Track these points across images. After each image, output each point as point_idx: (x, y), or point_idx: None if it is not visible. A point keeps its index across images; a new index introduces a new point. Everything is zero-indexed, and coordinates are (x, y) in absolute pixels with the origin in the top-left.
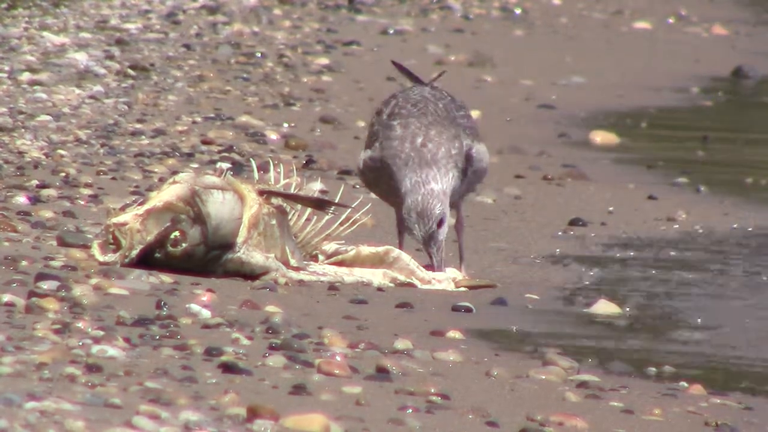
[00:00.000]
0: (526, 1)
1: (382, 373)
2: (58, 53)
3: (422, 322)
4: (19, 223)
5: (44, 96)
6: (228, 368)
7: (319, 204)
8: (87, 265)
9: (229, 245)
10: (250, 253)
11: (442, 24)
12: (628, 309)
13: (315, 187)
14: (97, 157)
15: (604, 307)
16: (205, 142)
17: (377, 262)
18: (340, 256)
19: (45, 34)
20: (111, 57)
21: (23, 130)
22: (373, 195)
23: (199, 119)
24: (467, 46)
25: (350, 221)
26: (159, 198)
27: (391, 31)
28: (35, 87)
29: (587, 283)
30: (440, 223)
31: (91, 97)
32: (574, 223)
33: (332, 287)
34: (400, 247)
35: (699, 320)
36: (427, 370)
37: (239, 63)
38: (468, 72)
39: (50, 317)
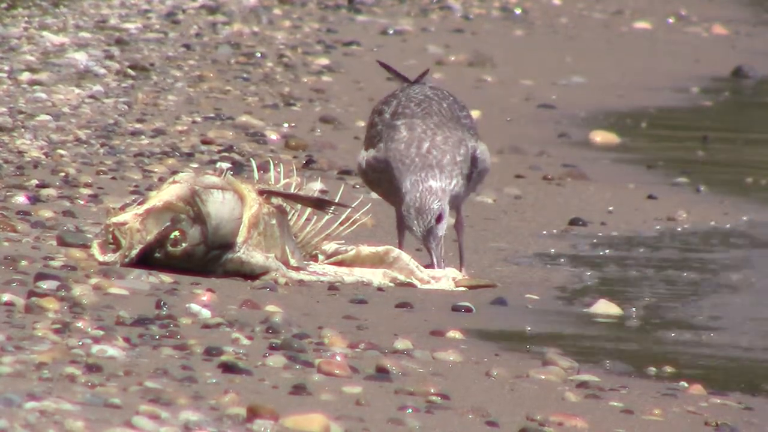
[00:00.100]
0: (526, 1)
1: (382, 373)
2: (57, 53)
3: (422, 322)
4: (19, 223)
5: (44, 96)
6: (228, 368)
7: (319, 204)
8: (87, 265)
9: (229, 245)
10: (250, 253)
11: (442, 24)
12: (628, 309)
13: (315, 187)
14: (96, 157)
15: (604, 307)
16: (205, 142)
17: (377, 262)
18: (340, 256)
19: (45, 33)
20: (111, 57)
21: (23, 129)
22: (373, 195)
23: (199, 119)
24: (467, 46)
25: (350, 221)
26: (159, 198)
27: (391, 31)
28: (35, 87)
29: (587, 283)
30: (439, 218)
31: (91, 96)
32: (574, 223)
33: (332, 287)
34: (400, 246)
35: (699, 320)
36: (427, 370)
37: (239, 63)
38: (468, 72)
39: (50, 317)
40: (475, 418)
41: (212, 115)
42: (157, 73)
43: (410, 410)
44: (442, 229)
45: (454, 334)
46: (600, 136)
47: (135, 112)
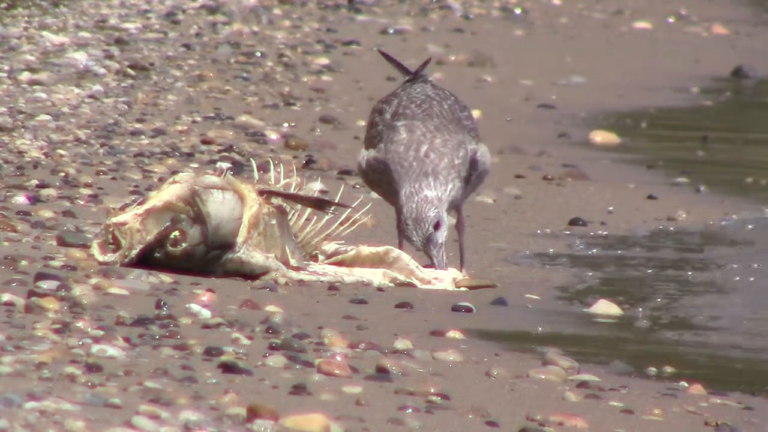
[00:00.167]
0: (526, 1)
1: (382, 373)
2: (57, 53)
3: (422, 322)
4: (19, 223)
5: (44, 95)
6: (228, 368)
7: (319, 204)
8: (87, 265)
9: (229, 245)
10: (250, 253)
11: (442, 24)
12: (630, 309)
13: (315, 187)
14: (96, 157)
15: (604, 307)
16: (204, 142)
17: (377, 262)
18: (340, 256)
19: (44, 33)
20: (110, 56)
21: (23, 129)
22: (373, 195)
23: (198, 119)
24: (467, 46)
25: (350, 221)
26: (159, 198)
27: (391, 31)
28: (35, 87)
29: (587, 283)
30: (437, 226)
31: (91, 96)
32: (574, 222)
33: (332, 287)
34: (400, 247)
35: (699, 320)
36: (427, 370)
37: (239, 63)
38: (468, 72)
39: (50, 317)
40: (475, 418)
41: (212, 114)
42: (157, 73)
43: (410, 410)
44: (441, 236)
45: (454, 334)
46: (600, 136)
47: (135, 112)
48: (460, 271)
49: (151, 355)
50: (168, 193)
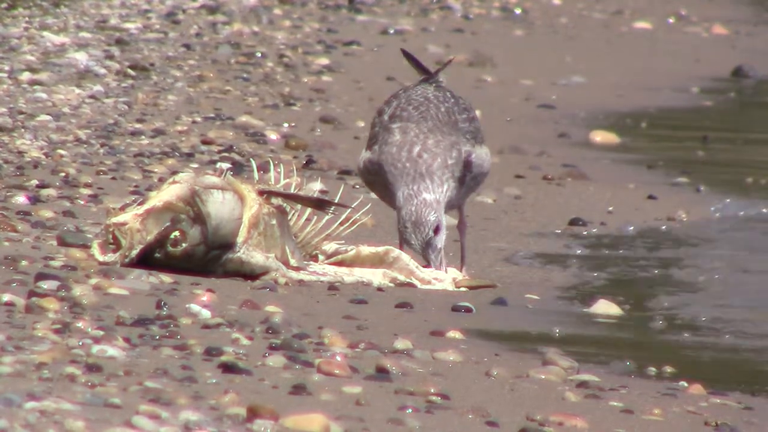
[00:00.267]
0: (526, 1)
1: (382, 373)
2: (58, 53)
3: (422, 322)
4: (19, 223)
5: (44, 96)
6: (228, 368)
7: (319, 204)
8: (87, 265)
9: (229, 245)
10: (250, 253)
11: (442, 24)
12: (628, 308)
13: (315, 187)
14: (96, 157)
15: (604, 307)
16: (205, 142)
17: (377, 262)
18: (340, 256)
19: (45, 33)
20: (111, 57)
21: (23, 129)
22: (373, 195)
23: (199, 119)
24: (467, 46)
25: (350, 221)
26: (159, 198)
27: (391, 31)
28: (35, 87)
29: (587, 283)
30: (437, 230)
31: (91, 96)
32: (574, 222)
33: (332, 287)
34: (401, 247)
35: (699, 319)
36: (427, 370)
37: (239, 63)
38: (468, 72)
39: (50, 317)
40: (475, 418)
41: (212, 115)
42: (157, 73)
43: (410, 410)
44: (440, 240)
45: (454, 334)
46: (600, 136)
47: (135, 112)
48: (460, 271)
49: (151, 355)
50: (168, 193)
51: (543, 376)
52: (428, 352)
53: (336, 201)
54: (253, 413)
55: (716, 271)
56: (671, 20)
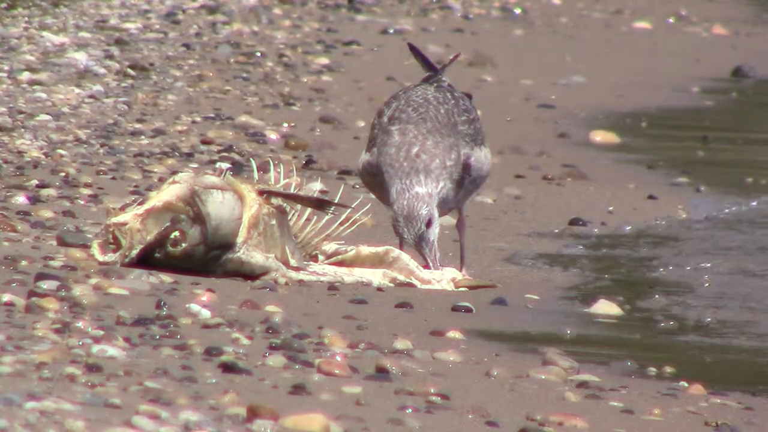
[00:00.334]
0: (526, 0)
1: (382, 373)
2: (57, 53)
3: (422, 322)
4: (19, 223)
5: (44, 96)
6: (228, 368)
7: (319, 204)
8: (87, 265)
9: (229, 245)
10: (250, 253)
11: (442, 24)
12: (628, 308)
13: (315, 187)
14: (96, 157)
15: (604, 307)
16: (204, 142)
17: (377, 262)
18: (340, 256)
19: (45, 33)
20: (111, 57)
21: (23, 129)
22: (372, 195)
23: (198, 119)
24: (467, 46)
25: (350, 221)
26: (159, 198)
27: (391, 31)
28: (35, 87)
29: (587, 283)
30: (429, 224)
31: (91, 96)
32: (574, 223)
33: (332, 287)
34: (400, 247)
35: (699, 319)
36: (427, 370)
37: (239, 63)
38: (468, 72)
39: (50, 317)
40: (475, 418)
41: (212, 115)
42: (157, 73)
43: (410, 410)
44: (433, 233)
45: (454, 334)
46: (600, 136)
47: (135, 112)
48: (460, 271)
49: (151, 355)
50: (168, 193)
51: (543, 376)
52: (428, 352)
53: (336, 201)
54: (253, 413)
55: (716, 271)
56: (671, 20)
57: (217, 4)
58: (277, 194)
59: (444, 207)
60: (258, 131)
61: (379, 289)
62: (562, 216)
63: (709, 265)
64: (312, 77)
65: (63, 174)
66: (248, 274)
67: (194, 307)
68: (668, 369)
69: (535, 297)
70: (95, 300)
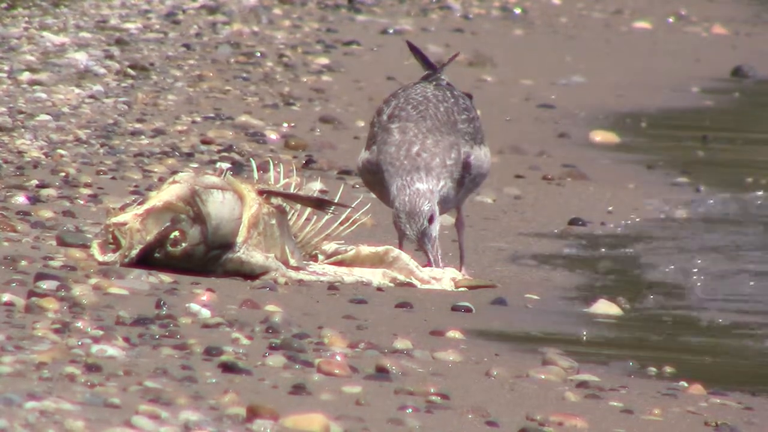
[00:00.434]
0: (526, 0)
1: (381, 372)
2: (57, 53)
3: (422, 322)
4: (19, 223)
5: (44, 96)
6: (228, 368)
7: (319, 204)
8: (86, 265)
9: (229, 245)
10: (250, 252)
11: (442, 24)
12: (628, 308)
13: (315, 187)
14: (96, 157)
15: (604, 307)
16: (204, 142)
17: (377, 261)
18: (339, 256)
19: (45, 33)
20: (111, 57)
21: (23, 129)
22: (373, 195)
23: (198, 119)
24: (467, 46)
25: (350, 221)
26: (159, 198)
27: (391, 31)
28: (35, 87)
29: (587, 283)
30: (431, 219)
31: (91, 96)
32: (573, 222)
33: (332, 287)
34: (400, 246)
35: (699, 319)
36: (427, 370)
37: (239, 63)
38: (468, 72)
39: (50, 317)
40: (475, 418)
41: (212, 115)
42: (157, 73)
43: (410, 410)
44: (435, 229)
45: (454, 334)
46: (600, 136)
47: (135, 112)
48: (460, 271)
49: (151, 355)
50: (168, 193)
51: (543, 376)
52: (428, 352)
53: (336, 201)
54: (253, 413)
55: (716, 271)
56: (671, 20)
57: (217, 4)
58: (277, 194)
59: (445, 206)
60: (258, 131)
61: (379, 288)
62: (562, 216)
63: (709, 264)
64: (312, 77)
65: (63, 174)
66: (248, 273)
67: (194, 306)
68: (668, 369)
69: (535, 297)
70: (95, 300)
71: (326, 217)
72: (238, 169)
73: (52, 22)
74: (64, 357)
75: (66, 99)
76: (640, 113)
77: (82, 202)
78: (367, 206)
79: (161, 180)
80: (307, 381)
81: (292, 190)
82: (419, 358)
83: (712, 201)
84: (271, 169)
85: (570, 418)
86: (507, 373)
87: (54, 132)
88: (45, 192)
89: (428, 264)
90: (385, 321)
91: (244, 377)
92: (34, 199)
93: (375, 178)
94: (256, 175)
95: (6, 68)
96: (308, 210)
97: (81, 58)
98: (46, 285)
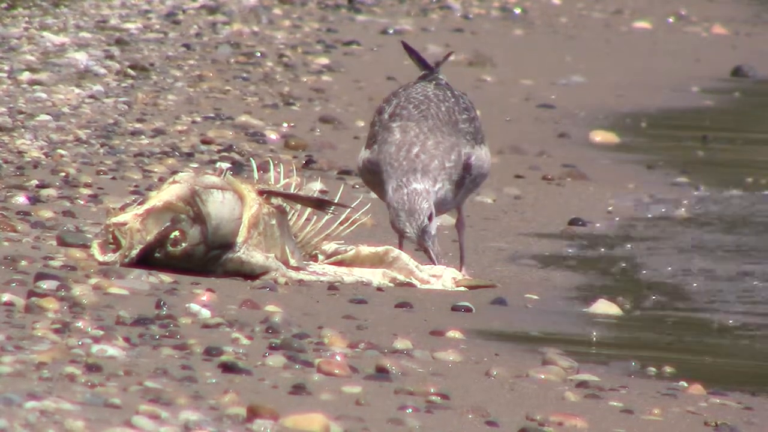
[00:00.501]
0: (526, 0)
1: (381, 372)
2: (58, 53)
3: (422, 322)
4: (19, 223)
5: (44, 96)
6: (228, 368)
7: (319, 204)
8: (86, 265)
9: (229, 245)
10: (250, 252)
11: (442, 24)
12: (628, 308)
13: (315, 187)
14: (96, 157)
15: (604, 307)
16: (204, 142)
17: (377, 262)
18: (339, 256)
19: (45, 33)
20: (111, 57)
21: (23, 129)
22: (372, 195)
23: (198, 119)
24: (467, 46)
25: (350, 221)
26: (159, 198)
27: (391, 31)
28: (35, 87)
29: (587, 283)
30: (430, 217)
31: (91, 96)
32: (573, 223)
33: (332, 287)
34: (400, 246)
35: (699, 319)
36: (427, 370)
37: (239, 63)
38: (468, 72)
39: (50, 317)
40: (475, 418)
41: (212, 114)
42: (157, 73)
43: (410, 410)
44: (434, 227)
45: (453, 334)
46: (600, 136)
47: (135, 112)
48: (460, 270)
49: (151, 355)
50: (168, 193)
51: (543, 376)
52: (428, 352)
53: (336, 201)
54: (253, 413)
55: (716, 271)
56: (671, 20)
57: (217, 4)
58: (277, 194)
59: (442, 208)
60: (258, 131)
61: (379, 288)
62: (562, 216)
63: (709, 264)
64: (312, 77)
65: (63, 174)
66: (248, 273)
67: (194, 306)
68: (668, 369)
69: (535, 297)
70: (95, 300)
71: (326, 217)
72: (238, 169)
73: (52, 22)
74: (64, 357)
75: (66, 99)
76: (640, 113)
77: (82, 202)
78: (367, 206)
79: (161, 180)
80: (307, 381)
81: (292, 190)
82: (419, 358)
83: (711, 201)
84: (271, 169)
85: (570, 418)
86: (507, 373)
87: (54, 132)
88: (45, 192)
89: (430, 262)
90: (385, 321)
91: (244, 377)
92: (34, 199)
93: (375, 177)
94: (256, 175)
95: (6, 68)
96: (308, 210)
97: (81, 58)
98: (46, 285)
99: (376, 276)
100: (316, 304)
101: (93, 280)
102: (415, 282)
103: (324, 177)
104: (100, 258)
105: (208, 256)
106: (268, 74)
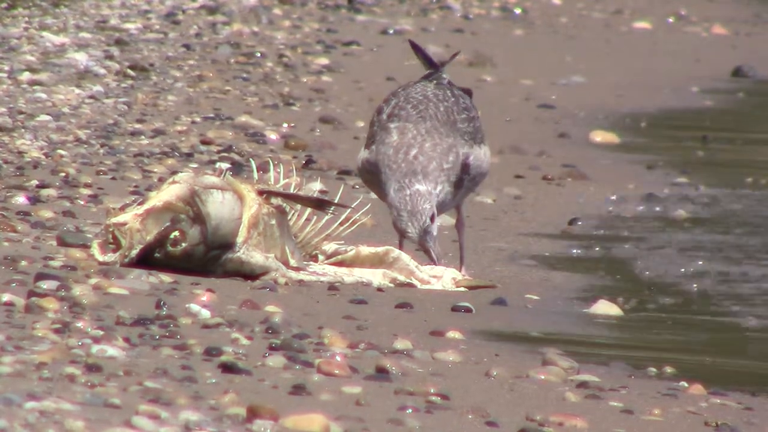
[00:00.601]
0: (526, 0)
1: (381, 373)
2: (57, 53)
3: (422, 323)
4: (19, 223)
5: (44, 96)
6: (228, 368)
7: (319, 204)
8: (86, 265)
9: (228, 245)
10: (250, 253)
11: (442, 24)
12: (628, 308)
13: (315, 187)
14: (96, 157)
15: (604, 307)
16: (204, 142)
17: (377, 262)
18: (340, 256)
19: (45, 34)
20: (111, 57)
21: (23, 130)
22: (372, 195)
23: (198, 119)
24: (467, 46)
25: (350, 221)
26: (159, 198)
27: (391, 31)
28: (35, 87)
29: (587, 283)
30: (432, 218)
31: (91, 97)
32: (573, 223)
33: (332, 287)
34: (400, 247)
35: (699, 319)
36: (427, 370)
37: (239, 63)
38: (468, 72)
39: (50, 317)
40: (475, 418)
41: (212, 115)
42: (156, 73)
43: (410, 410)
44: (435, 228)
45: (453, 334)
46: (600, 136)
47: (135, 113)
48: (460, 271)
49: (151, 355)
50: (168, 193)
51: (543, 376)
52: (428, 352)
53: (336, 201)
54: (252, 413)
55: (716, 271)
56: (671, 20)
57: (217, 5)
58: (277, 194)
59: (442, 209)
60: (258, 131)
61: (379, 289)
62: (562, 216)
63: (709, 264)
64: (312, 77)
65: (63, 174)
66: (248, 274)
67: (194, 307)
68: (668, 369)
69: (535, 297)
70: (95, 300)
71: (326, 217)
72: (237, 169)
73: (52, 22)
74: (64, 357)
75: (66, 99)
76: (640, 113)
77: (82, 203)
78: (367, 206)
79: (161, 180)
80: (307, 381)
81: (292, 191)
82: (419, 358)
83: (712, 201)
84: (271, 170)
85: (570, 418)
86: (507, 374)
87: (54, 132)
88: (45, 192)
89: (432, 262)
90: (385, 321)
91: (244, 377)
92: (34, 200)
93: (374, 177)
94: (256, 175)
95: (6, 68)
96: (308, 210)
97: (81, 58)
98: (46, 285)
99: (376, 276)
100: (316, 305)
101: (93, 280)
102: (415, 282)
103: (324, 177)
104: (100, 258)
105: (207, 257)
106: (268, 74)
